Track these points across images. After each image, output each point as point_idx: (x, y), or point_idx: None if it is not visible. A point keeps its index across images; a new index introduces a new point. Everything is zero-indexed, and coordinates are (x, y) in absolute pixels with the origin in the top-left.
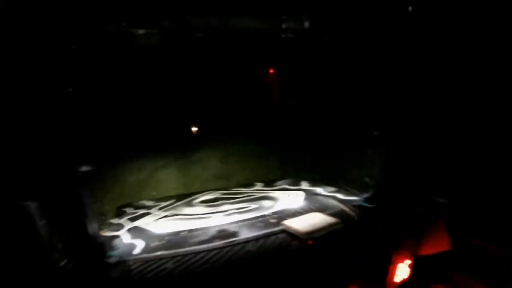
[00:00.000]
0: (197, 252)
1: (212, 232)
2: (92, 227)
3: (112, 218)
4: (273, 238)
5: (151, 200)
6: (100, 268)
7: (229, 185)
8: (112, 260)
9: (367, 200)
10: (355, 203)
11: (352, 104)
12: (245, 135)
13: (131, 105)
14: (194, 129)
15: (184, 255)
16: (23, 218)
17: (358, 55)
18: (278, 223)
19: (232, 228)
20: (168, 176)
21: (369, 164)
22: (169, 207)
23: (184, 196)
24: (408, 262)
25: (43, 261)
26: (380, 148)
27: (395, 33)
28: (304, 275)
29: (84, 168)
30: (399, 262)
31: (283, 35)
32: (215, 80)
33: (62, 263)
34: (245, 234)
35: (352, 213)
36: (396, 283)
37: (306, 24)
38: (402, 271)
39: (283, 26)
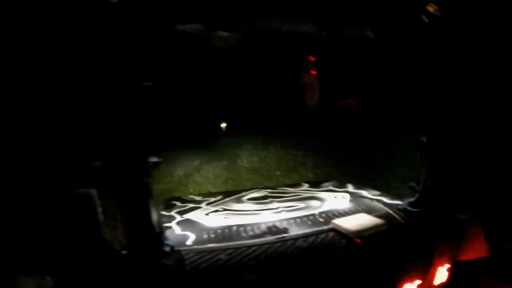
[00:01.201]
0: (249, 246)
1: (263, 227)
2: (154, 215)
3: (162, 210)
4: (322, 235)
5: (199, 195)
6: (157, 256)
7: (271, 183)
8: (167, 249)
9: (411, 204)
10: (399, 207)
11: (397, 107)
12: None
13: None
14: (223, 125)
15: (236, 248)
16: (85, 205)
17: (399, 57)
18: (326, 222)
19: (282, 225)
20: (208, 173)
21: (414, 168)
22: (218, 203)
23: (232, 193)
24: (447, 266)
25: (102, 248)
26: (426, 152)
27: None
28: (352, 273)
29: (153, 159)
30: (439, 266)
31: (334, 38)
32: (258, 80)
33: (120, 249)
34: (295, 231)
35: (397, 216)
36: (435, 286)
37: (355, 28)
38: (442, 274)
39: (336, 29)
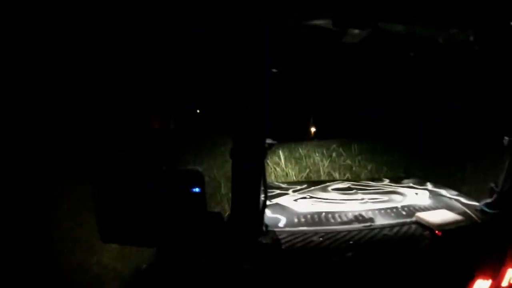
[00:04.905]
0: (339, 232)
1: (350, 215)
2: (261, 195)
3: None
4: (406, 227)
5: (283, 183)
6: (255, 233)
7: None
8: (263, 228)
9: (487, 205)
10: (476, 207)
11: (483, 108)
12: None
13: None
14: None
15: (327, 232)
16: (195, 181)
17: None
18: (409, 215)
19: (368, 215)
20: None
21: (494, 170)
22: (304, 190)
23: (315, 183)
24: None
25: (206, 220)
26: (507, 154)
27: None
28: (432, 263)
29: (269, 141)
30: (510, 267)
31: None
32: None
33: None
34: (381, 221)
35: (474, 216)
36: (503, 287)
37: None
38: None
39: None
